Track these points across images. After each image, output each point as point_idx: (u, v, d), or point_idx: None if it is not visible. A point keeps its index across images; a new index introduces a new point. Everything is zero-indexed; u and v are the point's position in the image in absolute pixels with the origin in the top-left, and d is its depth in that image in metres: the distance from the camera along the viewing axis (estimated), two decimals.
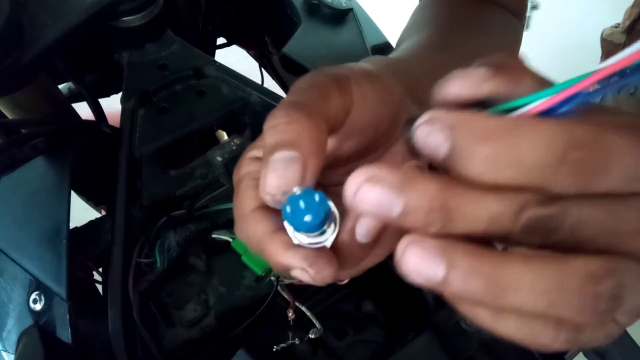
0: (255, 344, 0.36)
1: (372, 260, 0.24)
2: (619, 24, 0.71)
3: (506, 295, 0.15)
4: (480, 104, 0.18)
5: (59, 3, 0.40)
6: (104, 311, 0.35)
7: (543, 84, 0.18)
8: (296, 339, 0.36)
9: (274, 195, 0.20)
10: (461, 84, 0.18)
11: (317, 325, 0.36)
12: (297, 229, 0.20)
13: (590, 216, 0.15)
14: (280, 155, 0.19)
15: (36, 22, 0.39)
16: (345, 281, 0.39)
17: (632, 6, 0.67)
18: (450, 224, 0.15)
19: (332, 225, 0.21)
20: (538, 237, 0.16)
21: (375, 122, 0.25)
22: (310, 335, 0.36)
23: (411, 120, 0.18)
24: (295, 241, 0.21)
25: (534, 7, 2.09)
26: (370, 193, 0.16)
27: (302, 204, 0.19)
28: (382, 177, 0.16)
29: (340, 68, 0.25)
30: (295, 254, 0.20)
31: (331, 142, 0.25)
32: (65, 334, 0.34)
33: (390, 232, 0.23)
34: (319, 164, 0.20)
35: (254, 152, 0.25)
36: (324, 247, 0.21)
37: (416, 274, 0.16)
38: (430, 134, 0.16)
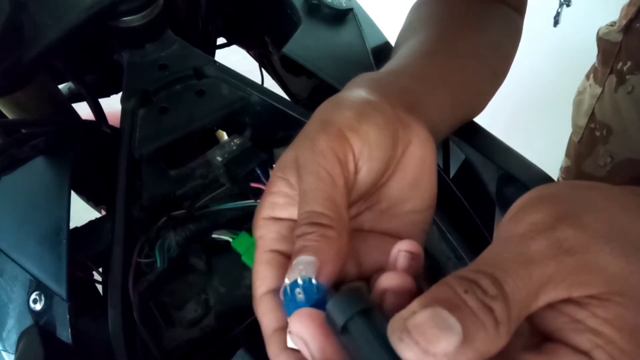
0: (255, 344, 0.36)
1: None
2: (615, 22, 0.71)
3: None
4: None
5: (59, 3, 0.40)
6: (104, 311, 0.35)
7: None
8: None
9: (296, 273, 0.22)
10: None
11: None
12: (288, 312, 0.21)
13: None
14: (301, 258, 0.22)
15: (36, 21, 0.39)
16: None
17: (629, 5, 0.67)
18: None
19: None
20: None
21: (381, 154, 0.26)
22: None
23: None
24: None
25: (565, 4, 2.08)
26: None
27: (297, 290, 0.21)
28: None
29: (334, 123, 0.26)
30: None
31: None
32: (65, 334, 0.33)
33: None
34: (336, 268, 0.22)
35: (267, 210, 0.26)
36: None
37: None
38: None
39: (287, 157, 0.26)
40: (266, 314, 0.24)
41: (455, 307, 0.16)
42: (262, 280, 0.24)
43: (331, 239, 0.22)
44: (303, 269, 0.21)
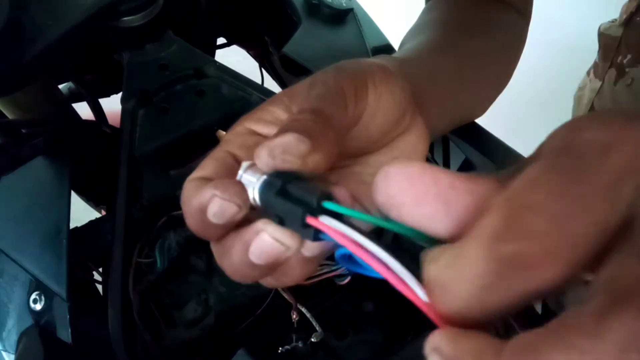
0: (255, 344, 0.36)
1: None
2: (615, 20, 0.71)
3: None
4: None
5: (59, 3, 0.40)
6: (104, 311, 0.35)
7: None
8: (299, 342, 0.36)
9: (273, 149, 0.20)
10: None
11: (318, 328, 0.36)
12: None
13: None
14: (295, 136, 0.20)
15: (36, 22, 0.39)
16: (346, 281, 0.39)
17: (630, 1, 0.67)
18: None
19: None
20: None
21: (382, 122, 0.25)
22: (312, 339, 0.36)
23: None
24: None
25: None
26: None
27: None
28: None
29: (360, 65, 0.25)
30: (206, 189, 0.21)
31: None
32: (65, 334, 0.34)
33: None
34: (324, 162, 0.21)
35: (251, 122, 0.25)
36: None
37: None
38: None
39: (300, 87, 0.25)
40: (193, 195, 0.22)
41: None
42: (203, 168, 0.23)
43: (330, 127, 0.21)
44: (295, 141, 0.19)
